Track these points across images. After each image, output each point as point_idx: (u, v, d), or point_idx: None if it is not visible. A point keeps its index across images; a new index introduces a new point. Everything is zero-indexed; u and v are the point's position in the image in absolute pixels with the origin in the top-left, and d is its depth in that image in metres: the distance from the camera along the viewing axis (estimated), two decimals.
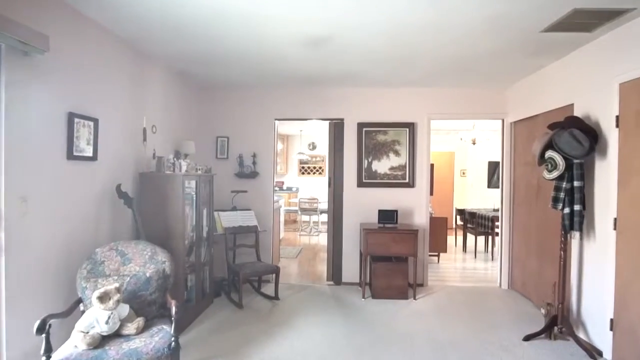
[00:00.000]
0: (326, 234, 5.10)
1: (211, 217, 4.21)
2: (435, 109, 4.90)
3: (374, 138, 4.90)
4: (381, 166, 4.90)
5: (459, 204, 9.22)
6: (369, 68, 4.08)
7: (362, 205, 4.93)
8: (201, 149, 5.02)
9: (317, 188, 10.99)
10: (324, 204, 9.16)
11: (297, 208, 9.34)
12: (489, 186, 9.26)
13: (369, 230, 4.39)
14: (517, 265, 4.73)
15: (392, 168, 4.90)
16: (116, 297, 2.27)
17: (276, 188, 11.25)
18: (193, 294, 3.78)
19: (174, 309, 2.20)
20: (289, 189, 11.16)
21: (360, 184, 4.92)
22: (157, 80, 3.93)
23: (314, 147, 11.18)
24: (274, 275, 4.31)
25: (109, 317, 2.23)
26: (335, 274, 5.00)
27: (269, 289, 4.58)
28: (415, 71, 4.19)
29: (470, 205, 8.98)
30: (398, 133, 4.89)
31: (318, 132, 10.44)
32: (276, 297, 4.29)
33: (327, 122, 5.07)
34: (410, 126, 4.87)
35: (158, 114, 3.96)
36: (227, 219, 4.62)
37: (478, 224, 6.86)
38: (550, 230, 3.90)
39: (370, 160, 4.91)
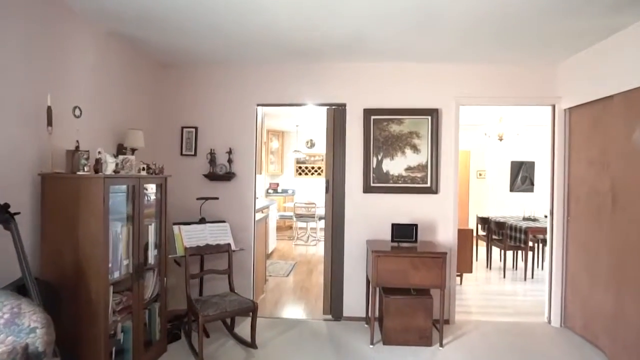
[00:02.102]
0: (326, 242, 3.95)
1: (164, 235, 3.06)
2: (466, 92, 3.75)
3: (386, 129, 3.76)
4: (395, 166, 3.75)
5: (477, 210, 8.06)
6: (374, 30, 2.95)
7: (370, 216, 3.78)
8: (160, 142, 3.88)
9: (315, 190, 9.86)
10: (323, 209, 8.04)
11: (292, 214, 8.20)
12: (511, 190, 8.10)
13: (379, 252, 3.24)
14: (574, 297, 3.58)
15: (409, 168, 3.75)
16: None
17: (270, 190, 10.14)
18: (129, 345, 2.64)
19: None
20: (285, 191, 10.04)
21: (368, 188, 3.77)
22: (84, 45, 2.80)
23: (312, 145, 10.05)
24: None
25: None
26: (334, 305, 3.86)
27: (245, 329, 3.43)
28: (439, 38, 3.05)
29: (488, 212, 7.80)
30: (417, 123, 3.74)
31: (317, 128, 9.31)
32: (253, 345, 3.14)
33: (325, 108, 3.92)
34: (433, 113, 3.72)
35: (86, 91, 2.83)
36: (191, 235, 3.48)
37: (508, 236, 5.70)
38: (637, 255, 2.75)
39: (380, 158, 3.76)
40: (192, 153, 3.90)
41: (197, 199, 3.68)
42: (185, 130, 3.91)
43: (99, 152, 2.46)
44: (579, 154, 3.56)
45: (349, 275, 3.81)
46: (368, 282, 3.67)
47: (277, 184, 10.10)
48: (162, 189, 3.03)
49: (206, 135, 3.91)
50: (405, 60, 3.67)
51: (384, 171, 3.76)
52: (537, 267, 5.93)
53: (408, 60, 3.67)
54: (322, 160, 9.94)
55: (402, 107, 3.75)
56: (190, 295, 3.17)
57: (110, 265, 2.41)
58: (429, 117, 3.73)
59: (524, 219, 6.12)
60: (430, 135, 3.72)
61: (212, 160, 3.85)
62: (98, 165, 2.41)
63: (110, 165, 2.41)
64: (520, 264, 6.16)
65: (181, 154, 3.91)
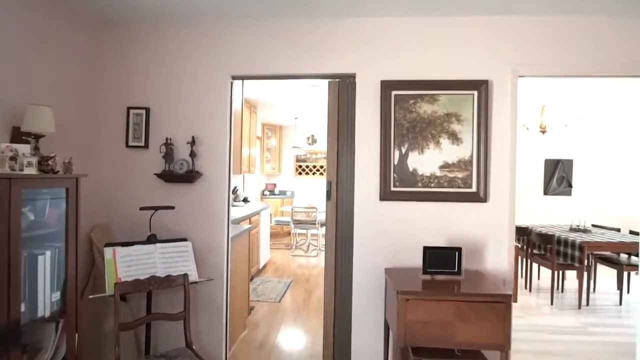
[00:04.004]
0: (327, 273, 2.85)
1: (74, 266, 1.97)
2: (526, 57, 2.62)
3: (413, 110, 2.65)
4: (425, 162, 2.64)
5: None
6: None
7: (390, 235, 2.67)
8: (97, 128, 2.80)
9: (317, 192, 8.77)
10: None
11: (289, 219, 7.11)
12: (545, 193, 6.94)
13: (408, 294, 2.13)
14: None
15: (446, 166, 2.64)
16: None
17: (266, 192, 9.03)
18: None
19: None
20: (283, 192, 8.97)
21: (386, 194, 2.66)
22: None
23: (313, 142, 8.97)
24: None
25: None
26: (339, 358, 2.75)
27: None
28: None
29: (519, 219, 6.65)
30: (457, 100, 2.63)
31: (319, 121, 8.17)
32: None
33: (327, 82, 2.82)
34: (481, 87, 2.60)
35: None
36: (131, 262, 2.39)
37: (555, 251, 4.56)
38: None
39: (404, 151, 2.65)
40: (142, 144, 2.81)
41: (141, 209, 2.57)
42: (132, 112, 2.82)
43: None
44: None
45: (359, 317, 2.70)
46: (387, 328, 2.57)
47: (275, 185, 9.01)
48: (69, 195, 1.94)
49: (161, 119, 2.82)
50: (440, 12, 2.56)
51: (410, 170, 2.65)
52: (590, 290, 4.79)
53: (444, 12, 2.56)
54: (325, 158, 8.84)
55: (436, 79, 2.63)
56: (119, 357, 2.08)
57: None
58: (475, 93, 2.61)
59: (572, 229, 5.00)
60: (477, 118, 2.60)
61: (169, 154, 2.76)
62: None
63: None
64: (568, 285, 5.04)
65: (127, 145, 2.82)
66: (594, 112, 6.24)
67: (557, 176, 6.86)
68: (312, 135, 8.94)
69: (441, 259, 2.37)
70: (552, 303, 4.45)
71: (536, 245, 4.95)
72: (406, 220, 2.66)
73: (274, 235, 7.94)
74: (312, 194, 8.83)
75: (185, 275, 2.40)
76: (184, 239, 2.66)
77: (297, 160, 9.04)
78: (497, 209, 2.63)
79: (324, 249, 7.36)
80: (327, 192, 2.79)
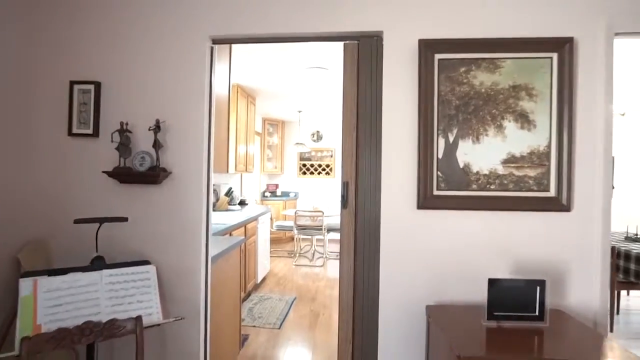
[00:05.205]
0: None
1: None
2: (629, 7, 1.85)
3: (464, 81, 1.88)
4: (482, 154, 1.87)
5: None
6: None
7: (432, 255, 1.90)
8: (28, 110, 2.06)
9: (323, 194, 8.03)
10: (333, 219, 6.20)
11: (292, 224, 6.36)
12: None
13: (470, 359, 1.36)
14: None
15: (511, 160, 1.87)
16: None
17: (267, 193, 8.28)
18: None
19: None
20: (285, 194, 8.23)
21: (427, 200, 1.89)
22: None
23: (319, 138, 8.21)
24: None
25: None
26: None
27: None
28: None
29: None
30: (528, 67, 1.85)
31: (325, 116, 7.38)
32: None
33: (342, 43, 2.06)
34: (562, 49, 1.83)
35: None
36: (59, 300, 1.65)
37: (615, 267, 3.77)
38: None
39: (452, 138, 1.89)
40: (90, 131, 2.06)
41: (76, 222, 1.82)
42: (77, 88, 2.07)
43: None
44: None
45: (388, 348, 1.94)
46: None
47: (276, 186, 8.27)
48: None
49: (116, 97, 2.07)
50: None
51: (461, 166, 1.88)
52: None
53: None
54: (331, 156, 8.11)
55: (497, 37, 1.87)
56: None
57: None
58: (554, 56, 1.84)
59: (628, 238, 4.20)
60: (557, 91, 1.83)
61: (124, 144, 2.01)
62: None
63: None
64: (623, 303, 4.25)
65: (70, 133, 2.07)
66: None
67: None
68: (318, 132, 8.17)
69: (513, 297, 1.60)
70: (611, 330, 3.66)
71: None
72: (455, 237, 1.89)
73: (275, 241, 7.22)
74: (317, 196, 8.09)
75: (138, 319, 1.65)
76: (146, 262, 1.92)
77: (301, 159, 8.29)
78: (584, 220, 1.86)
79: (330, 256, 6.60)
80: (343, 196, 2.03)
